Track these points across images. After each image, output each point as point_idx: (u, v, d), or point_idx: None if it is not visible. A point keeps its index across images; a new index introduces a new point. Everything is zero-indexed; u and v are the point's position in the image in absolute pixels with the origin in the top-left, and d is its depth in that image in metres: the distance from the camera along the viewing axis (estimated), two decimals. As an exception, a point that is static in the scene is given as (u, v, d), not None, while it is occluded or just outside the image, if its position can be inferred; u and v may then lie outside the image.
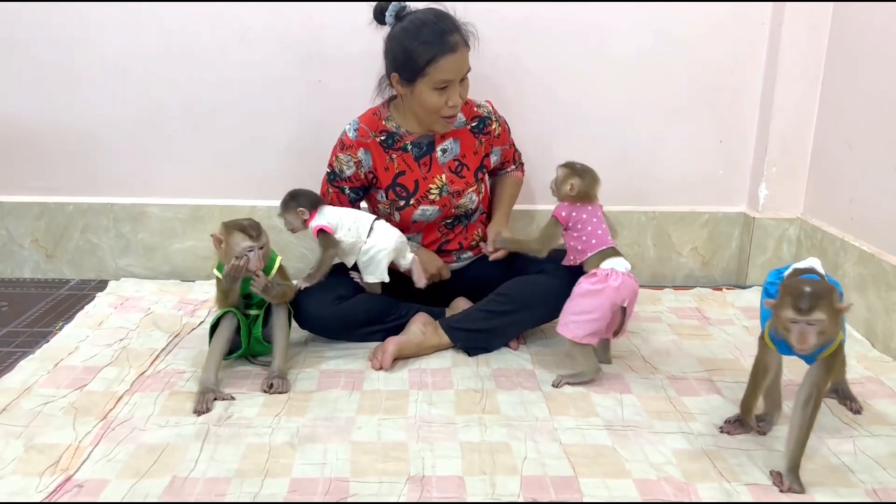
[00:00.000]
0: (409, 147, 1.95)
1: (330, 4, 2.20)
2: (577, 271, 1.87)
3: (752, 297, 2.29)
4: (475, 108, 1.99)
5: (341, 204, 1.98)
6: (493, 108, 2.02)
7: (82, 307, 2.16)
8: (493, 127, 2.00)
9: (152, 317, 2.08)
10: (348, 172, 1.94)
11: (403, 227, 1.96)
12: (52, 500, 1.27)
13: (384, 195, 1.96)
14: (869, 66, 2.02)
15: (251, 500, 1.28)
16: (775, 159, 2.31)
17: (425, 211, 1.95)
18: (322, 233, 1.84)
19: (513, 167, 2.15)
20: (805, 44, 2.21)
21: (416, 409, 1.60)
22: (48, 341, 1.92)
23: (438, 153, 1.96)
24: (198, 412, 1.57)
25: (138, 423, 1.52)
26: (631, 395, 1.67)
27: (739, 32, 2.28)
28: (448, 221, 2.01)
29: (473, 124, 1.98)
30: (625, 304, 1.67)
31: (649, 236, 2.43)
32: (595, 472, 1.38)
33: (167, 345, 1.90)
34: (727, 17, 2.26)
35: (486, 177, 2.08)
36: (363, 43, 2.20)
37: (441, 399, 1.65)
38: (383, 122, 1.95)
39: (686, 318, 2.15)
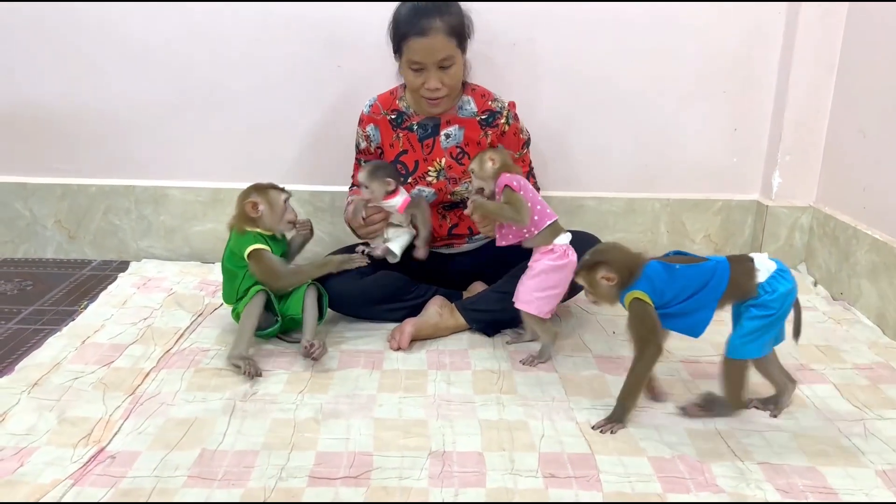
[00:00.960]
0: (415, 127, 1.99)
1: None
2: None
3: (764, 284, 2.31)
4: (489, 103, 2.01)
5: (355, 176, 2.06)
6: (513, 110, 2.01)
7: (105, 287, 2.20)
8: (502, 122, 1.99)
9: (175, 297, 2.12)
10: (362, 146, 2.04)
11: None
12: (86, 470, 1.32)
13: None
14: (884, 54, 2.03)
15: (279, 472, 1.32)
16: (789, 147, 2.33)
17: (421, 191, 1.99)
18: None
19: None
20: (820, 32, 2.23)
21: (435, 389, 1.64)
22: (74, 319, 1.97)
23: (442, 137, 1.99)
24: (250, 374, 1.64)
25: (166, 398, 1.56)
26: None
27: (755, 20, 2.29)
28: (445, 205, 2.04)
29: (483, 117, 2.00)
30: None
31: (663, 223, 2.46)
32: (611, 449, 1.42)
33: (191, 324, 1.95)
34: (743, 4, 2.27)
35: None
36: (383, 30, 2.23)
37: (459, 379, 1.69)
38: (396, 102, 2.01)
39: (699, 304, 2.18)
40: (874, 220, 2.08)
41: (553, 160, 2.34)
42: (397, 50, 1.88)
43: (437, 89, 1.88)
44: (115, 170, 2.41)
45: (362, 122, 2.03)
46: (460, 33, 1.86)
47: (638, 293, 1.45)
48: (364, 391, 1.62)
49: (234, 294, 1.82)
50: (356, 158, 2.08)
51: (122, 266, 2.39)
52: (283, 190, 1.83)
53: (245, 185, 2.37)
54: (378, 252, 1.93)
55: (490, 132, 1.99)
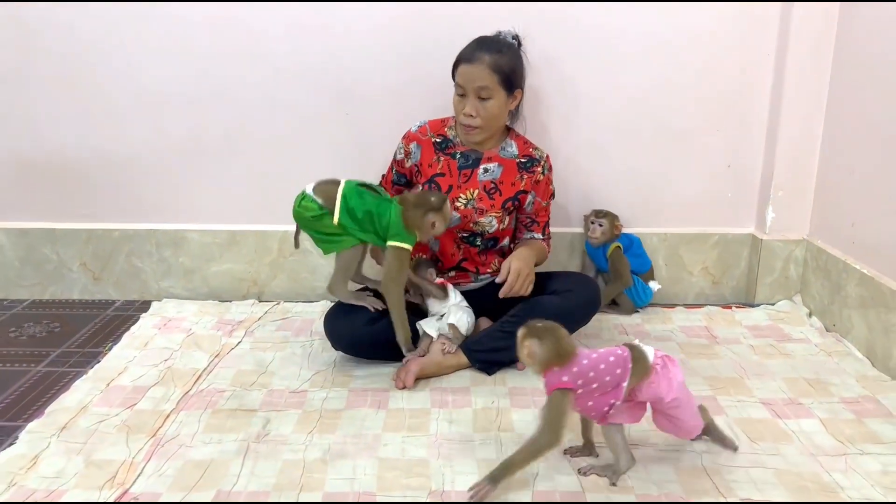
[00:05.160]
0: (458, 156, 2.12)
1: (357, 44, 2.34)
2: (591, 292, 2.02)
3: (760, 316, 2.39)
4: (531, 149, 2.14)
5: (385, 181, 2.24)
6: (549, 161, 2.15)
7: (128, 328, 2.32)
8: (539, 170, 2.12)
9: (193, 337, 2.23)
10: (399, 157, 2.18)
11: None
12: (112, 512, 1.43)
13: (420, 188, 2.13)
14: (870, 94, 2.11)
15: (288, 513, 1.42)
16: (781, 183, 2.41)
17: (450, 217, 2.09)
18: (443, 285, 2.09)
19: (540, 235, 2.19)
20: (809, 72, 2.31)
21: (437, 427, 1.73)
22: (99, 361, 2.08)
23: (480, 170, 2.11)
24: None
25: (185, 440, 1.67)
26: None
27: (746, 61, 2.38)
28: (464, 237, 2.14)
29: (522, 160, 2.12)
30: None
31: (661, 257, 2.54)
32: (600, 487, 1.50)
33: (208, 365, 2.06)
34: (734, 46, 2.36)
35: (513, 216, 2.18)
36: (386, 80, 2.35)
37: (460, 417, 1.78)
38: (445, 129, 2.15)
39: (695, 337, 2.25)
40: (862, 254, 2.15)
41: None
42: (453, 75, 2.03)
43: (472, 116, 2.01)
44: (137, 215, 2.54)
45: (407, 137, 2.16)
46: (506, 73, 1.99)
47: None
48: (370, 431, 1.72)
49: (337, 246, 1.93)
50: (391, 165, 2.22)
51: (145, 305, 2.51)
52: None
53: (259, 228, 2.53)
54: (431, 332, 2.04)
55: (526, 177, 2.11)
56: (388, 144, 2.23)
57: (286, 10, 2.32)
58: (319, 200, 1.89)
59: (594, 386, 1.45)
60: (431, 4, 2.31)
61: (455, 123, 2.13)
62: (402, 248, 1.90)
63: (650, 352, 1.50)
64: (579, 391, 1.45)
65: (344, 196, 1.88)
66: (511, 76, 2.01)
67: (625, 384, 1.45)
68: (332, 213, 1.88)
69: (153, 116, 2.44)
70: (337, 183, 1.91)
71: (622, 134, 2.45)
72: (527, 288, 2.00)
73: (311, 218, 1.90)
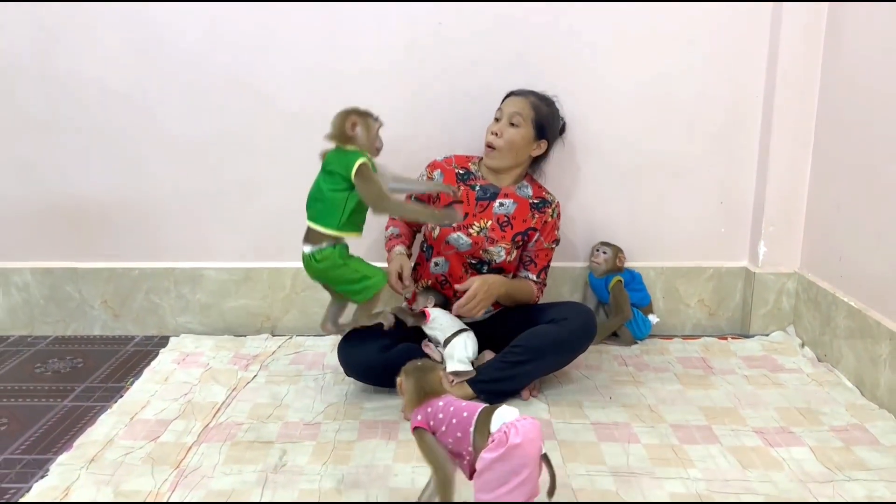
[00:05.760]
0: (477, 188, 2.26)
1: (365, 92, 2.48)
2: (587, 320, 2.13)
3: (754, 347, 2.49)
4: (544, 193, 2.30)
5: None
6: (559, 208, 2.31)
7: (148, 363, 2.42)
8: (549, 212, 2.27)
9: (211, 372, 2.34)
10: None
11: (437, 243, 2.25)
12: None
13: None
14: (856, 133, 2.22)
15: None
16: (772, 219, 2.51)
17: (460, 238, 2.20)
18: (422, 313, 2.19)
19: (534, 276, 2.29)
20: (796, 112, 2.43)
21: (445, 457, 1.82)
22: (122, 396, 2.19)
23: (496, 204, 2.24)
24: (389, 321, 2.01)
25: (206, 471, 1.77)
26: (637, 445, 1.87)
27: (736, 101, 2.51)
28: (472, 262, 2.24)
29: (535, 201, 2.27)
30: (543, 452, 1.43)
31: (659, 289, 2.64)
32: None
33: (226, 398, 2.15)
34: (724, 87, 2.49)
35: (520, 251, 2.29)
36: (393, 123, 2.48)
37: (467, 447, 1.87)
38: (469, 164, 2.31)
39: (692, 368, 2.35)
40: (850, 288, 2.25)
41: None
42: (500, 108, 2.25)
43: (496, 135, 2.20)
44: (156, 254, 2.65)
45: (432, 165, 2.32)
46: (541, 118, 2.22)
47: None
48: (381, 461, 1.81)
49: (338, 217, 1.88)
50: (407, 197, 2.34)
51: (163, 341, 2.62)
52: (376, 118, 1.97)
53: (273, 265, 2.64)
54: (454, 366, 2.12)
55: (537, 216, 2.25)
56: (395, 185, 2.35)
57: (298, 61, 2.47)
58: (322, 245, 1.91)
59: (442, 429, 1.46)
60: (435, 58, 2.46)
61: (479, 160, 2.31)
62: (362, 167, 1.85)
63: (502, 418, 1.42)
64: (434, 431, 1.48)
65: (317, 182, 1.94)
66: (544, 123, 2.22)
67: (469, 439, 1.43)
68: (335, 243, 1.90)
69: (173, 162, 2.57)
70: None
71: (620, 174, 2.57)
72: (478, 311, 2.12)
73: (338, 262, 1.90)
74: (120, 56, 2.47)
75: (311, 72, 2.48)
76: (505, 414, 1.43)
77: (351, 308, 2.06)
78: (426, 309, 2.19)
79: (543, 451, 1.41)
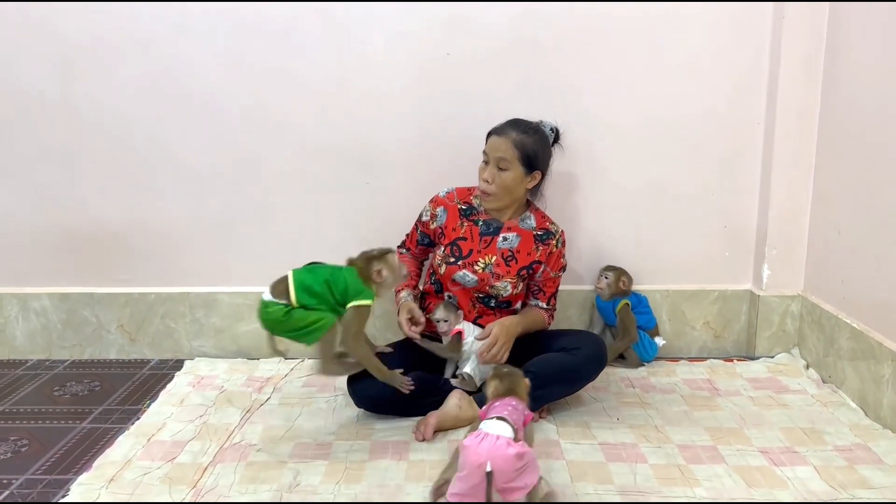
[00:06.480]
0: (480, 223, 2.30)
1: (377, 121, 2.55)
2: (598, 350, 2.18)
3: (760, 368, 2.52)
4: (547, 224, 2.32)
5: (410, 240, 2.41)
6: (563, 236, 2.32)
7: (164, 386, 2.47)
8: (553, 243, 2.29)
9: (226, 394, 2.38)
10: (424, 218, 2.35)
11: (444, 280, 2.29)
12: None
13: (442, 249, 2.29)
14: (853, 160, 2.27)
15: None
16: (775, 242, 2.56)
17: (466, 275, 2.24)
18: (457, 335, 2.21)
19: (544, 304, 2.35)
20: (797, 139, 2.49)
21: (456, 477, 1.86)
22: (139, 418, 2.23)
23: (500, 238, 2.28)
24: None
25: (223, 490, 1.81)
26: (645, 465, 1.91)
27: (738, 128, 2.57)
28: (480, 297, 2.29)
29: (539, 233, 2.29)
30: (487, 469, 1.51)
31: (665, 312, 2.68)
32: None
33: (240, 420, 2.20)
34: (726, 115, 2.56)
35: (527, 282, 2.33)
36: (401, 152, 2.56)
37: (477, 467, 1.91)
38: (471, 197, 2.34)
39: (698, 390, 2.38)
40: (852, 310, 2.29)
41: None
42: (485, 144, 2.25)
43: (487, 183, 2.20)
44: (172, 279, 2.72)
45: (435, 202, 2.34)
46: (527, 153, 2.18)
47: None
48: (393, 481, 1.85)
49: (313, 316, 1.93)
50: (415, 225, 2.39)
51: (178, 364, 2.67)
52: (393, 251, 2.06)
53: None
54: (456, 383, 2.19)
55: (541, 248, 2.28)
56: (406, 211, 2.43)
57: (310, 90, 2.55)
58: (280, 300, 1.93)
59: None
60: (443, 86, 2.54)
61: (478, 195, 2.32)
62: (363, 306, 1.95)
63: (486, 427, 1.59)
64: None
65: (295, 279, 1.94)
66: (532, 157, 2.19)
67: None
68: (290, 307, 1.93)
69: (190, 189, 2.64)
70: (286, 276, 1.97)
71: (628, 200, 2.63)
72: (502, 356, 2.13)
73: (282, 318, 1.93)
74: (137, 86, 2.56)
75: (322, 101, 2.55)
76: (491, 426, 1.59)
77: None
78: (460, 329, 2.21)
79: (488, 469, 1.51)
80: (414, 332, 2.20)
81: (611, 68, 2.53)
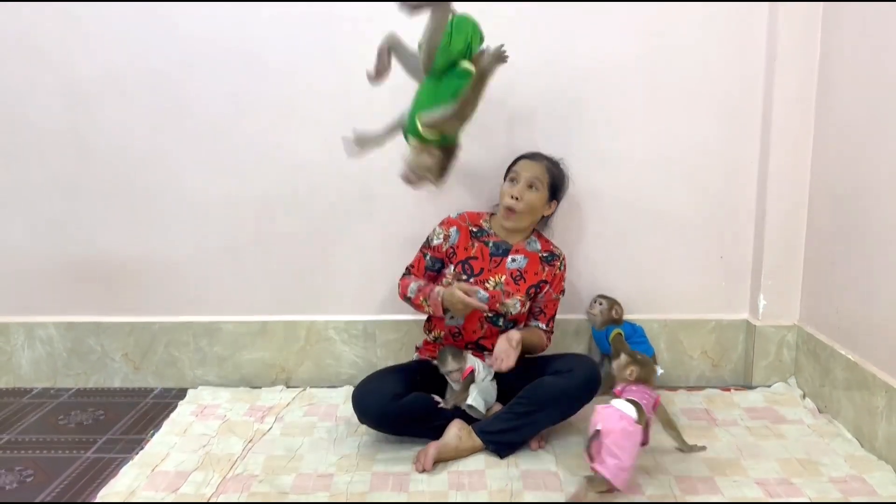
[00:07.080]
0: (490, 244, 2.38)
1: (379, 155, 2.60)
2: (591, 371, 2.23)
3: (757, 398, 2.54)
4: (551, 247, 2.43)
5: (419, 265, 2.42)
6: (565, 260, 2.44)
7: (167, 415, 2.50)
8: (557, 264, 2.40)
9: (228, 424, 2.41)
10: (436, 242, 2.39)
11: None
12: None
13: (453, 268, 2.35)
14: (845, 194, 2.31)
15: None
16: (771, 272, 2.60)
17: (478, 292, 2.28)
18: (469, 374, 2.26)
19: (544, 326, 2.43)
20: (791, 171, 2.53)
21: (455, 509, 1.89)
22: (143, 448, 2.26)
23: (509, 259, 2.36)
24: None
25: (225, 522, 1.84)
26: (641, 497, 1.93)
27: (733, 160, 2.62)
28: (489, 315, 2.33)
29: (544, 255, 2.40)
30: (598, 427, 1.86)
31: (662, 341, 2.71)
32: None
33: (242, 451, 2.23)
34: (721, 147, 2.60)
35: (531, 302, 2.40)
36: (406, 187, 2.59)
37: (476, 498, 1.93)
38: (481, 221, 2.42)
39: (696, 420, 2.40)
40: (846, 341, 2.32)
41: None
42: (509, 170, 2.38)
43: (516, 199, 2.29)
44: (176, 308, 2.76)
45: (447, 223, 2.40)
46: (554, 181, 2.37)
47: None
48: (393, 513, 1.88)
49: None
50: (422, 251, 2.43)
51: (181, 393, 2.70)
52: None
53: (288, 318, 2.75)
54: (462, 405, 2.22)
55: (547, 269, 2.38)
56: (407, 241, 2.50)
57: (316, 125, 2.60)
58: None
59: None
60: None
61: (490, 217, 2.42)
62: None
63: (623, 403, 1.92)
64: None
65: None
66: (557, 186, 2.38)
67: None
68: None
69: (193, 221, 2.69)
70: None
71: (624, 230, 2.67)
72: (511, 362, 2.20)
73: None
74: (146, 122, 2.62)
75: (326, 135, 2.59)
76: (621, 404, 1.92)
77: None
78: (470, 368, 2.25)
79: (598, 428, 1.85)
80: (471, 289, 2.22)
81: (611, 104, 2.57)
